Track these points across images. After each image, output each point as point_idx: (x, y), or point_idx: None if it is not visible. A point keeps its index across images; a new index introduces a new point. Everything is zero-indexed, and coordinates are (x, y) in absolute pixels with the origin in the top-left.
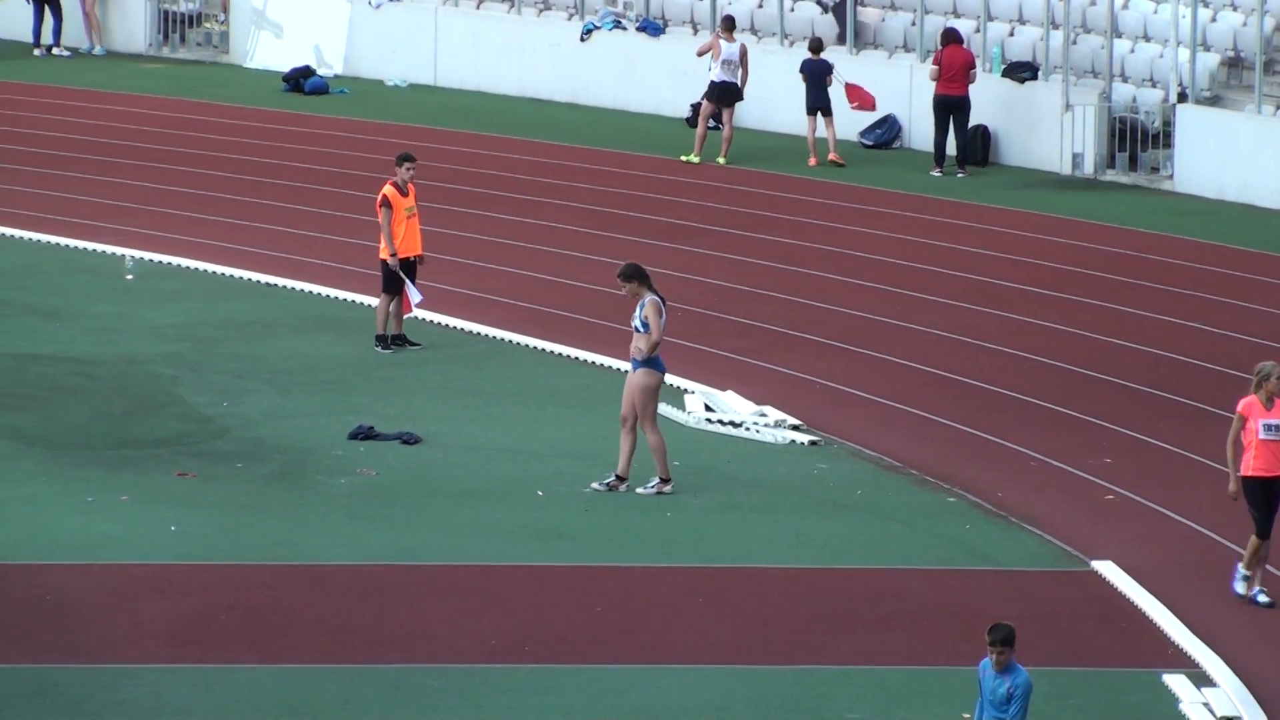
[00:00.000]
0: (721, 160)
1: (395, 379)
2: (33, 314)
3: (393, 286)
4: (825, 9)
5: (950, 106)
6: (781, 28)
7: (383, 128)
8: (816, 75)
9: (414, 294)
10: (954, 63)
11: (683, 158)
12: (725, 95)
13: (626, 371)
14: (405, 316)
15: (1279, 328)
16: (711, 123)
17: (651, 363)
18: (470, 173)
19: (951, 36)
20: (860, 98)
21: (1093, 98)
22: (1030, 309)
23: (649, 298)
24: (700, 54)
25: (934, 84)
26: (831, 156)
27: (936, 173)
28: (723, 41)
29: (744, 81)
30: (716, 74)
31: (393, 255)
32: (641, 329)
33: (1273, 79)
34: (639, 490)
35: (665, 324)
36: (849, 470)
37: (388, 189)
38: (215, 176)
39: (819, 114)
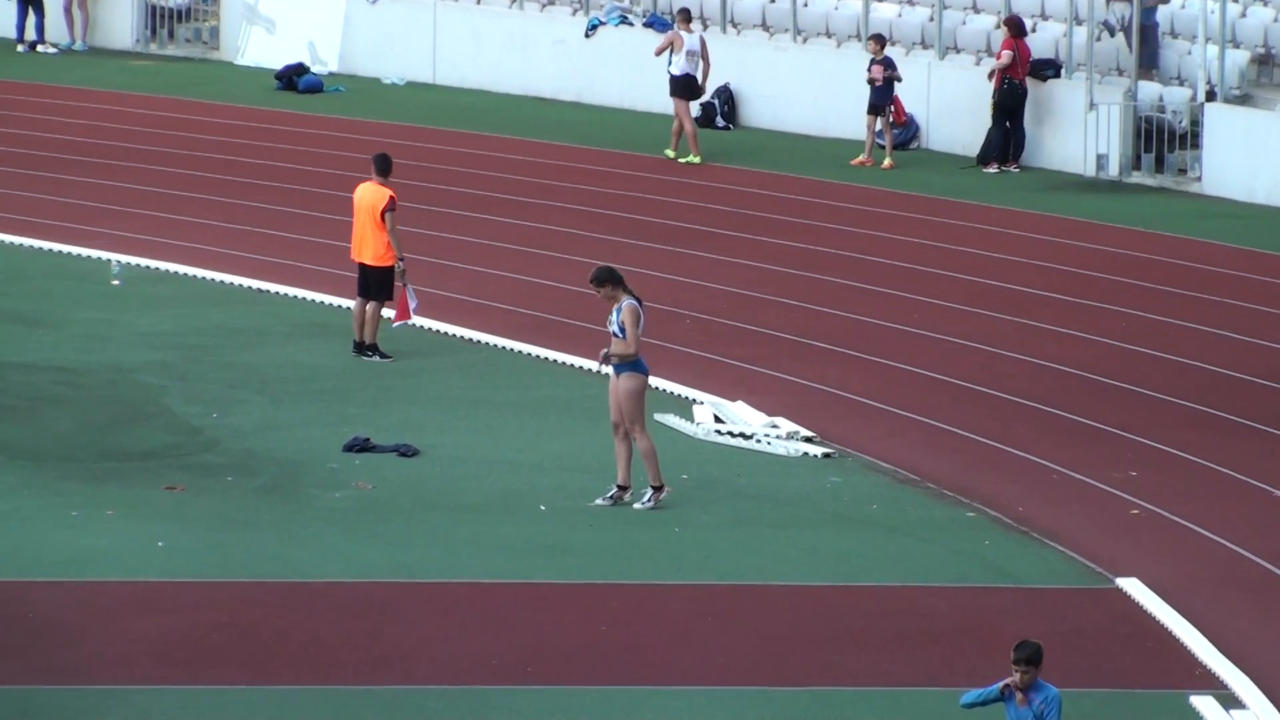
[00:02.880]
0: (670, 153)
1: (392, 389)
2: (15, 321)
3: (389, 292)
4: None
5: (1020, 98)
6: (794, 24)
7: (380, 127)
8: (884, 74)
9: (412, 298)
10: (1025, 55)
11: (681, 160)
12: (690, 89)
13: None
14: (395, 325)
15: None
16: (722, 123)
17: (635, 365)
18: (470, 174)
19: (1020, 27)
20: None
21: (1118, 96)
22: (1052, 315)
23: (626, 301)
24: (659, 52)
25: (994, 75)
26: (888, 163)
27: (995, 169)
28: (683, 33)
29: (706, 74)
30: (679, 67)
31: (400, 260)
32: (620, 335)
33: None
34: (635, 506)
35: (644, 327)
36: (863, 484)
37: (391, 191)
38: (205, 178)
39: (879, 115)
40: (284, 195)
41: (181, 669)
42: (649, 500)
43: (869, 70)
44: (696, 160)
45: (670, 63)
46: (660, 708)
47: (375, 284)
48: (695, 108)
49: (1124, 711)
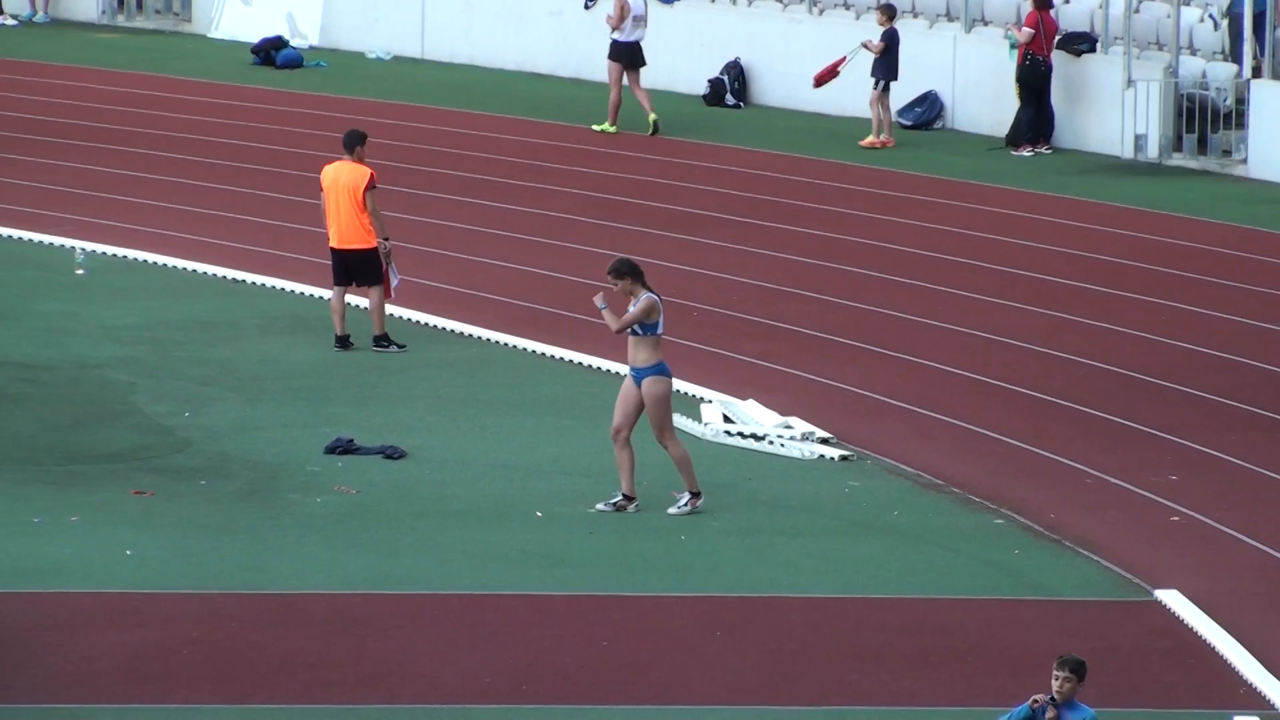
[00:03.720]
0: (653, 118)
1: (377, 386)
2: None
3: (379, 275)
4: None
5: (1043, 75)
6: None
7: (363, 105)
8: (894, 46)
9: (394, 278)
10: (1050, 28)
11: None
12: (637, 56)
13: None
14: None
15: None
16: (732, 101)
17: (658, 369)
18: (461, 155)
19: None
20: (827, 74)
21: (1158, 72)
22: (1087, 308)
23: (645, 295)
24: (616, 24)
25: (1017, 51)
26: (884, 138)
27: (1028, 152)
28: None
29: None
30: (627, 33)
31: (385, 240)
32: (641, 332)
33: None
34: (670, 511)
35: (663, 323)
36: (884, 488)
37: (369, 169)
38: (176, 160)
39: (886, 90)
40: (261, 178)
41: (150, 687)
42: (685, 504)
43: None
44: (613, 130)
45: (614, 30)
46: None
47: (362, 269)
48: (702, 84)
49: None
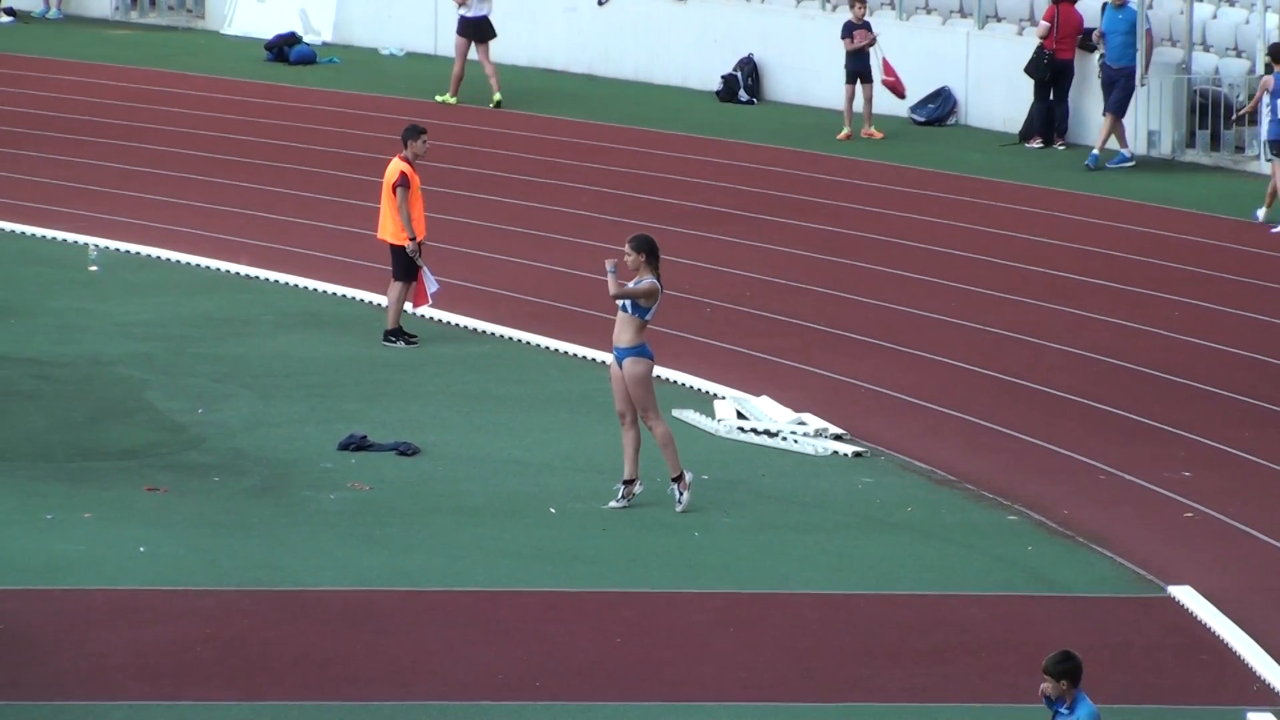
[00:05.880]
0: (497, 98)
1: (391, 383)
2: None
3: (408, 273)
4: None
5: (1059, 71)
6: None
7: (377, 101)
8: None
9: (431, 283)
10: (1068, 23)
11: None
12: (481, 31)
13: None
14: (415, 310)
15: None
16: (745, 97)
17: (639, 350)
18: (475, 152)
19: None
20: (894, 79)
21: (1170, 69)
22: (1100, 304)
23: (648, 279)
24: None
25: (1041, 43)
26: (866, 131)
27: (1038, 144)
28: None
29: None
30: (473, 9)
31: (413, 240)
32: (628, 309)
33: None
34: (678, 510)
35: (654, 311)
36: (897, 485)
37: (405, 166)
38: (189, 156)
39: (859, 82)
40: (274, 175)
41: (164, 684)
42: (682, 495)
43: (852, 37)
44: (452, 101)
45: (459, 3)
46: None
47: (395, 264)
48: (716, 80)
49: None
